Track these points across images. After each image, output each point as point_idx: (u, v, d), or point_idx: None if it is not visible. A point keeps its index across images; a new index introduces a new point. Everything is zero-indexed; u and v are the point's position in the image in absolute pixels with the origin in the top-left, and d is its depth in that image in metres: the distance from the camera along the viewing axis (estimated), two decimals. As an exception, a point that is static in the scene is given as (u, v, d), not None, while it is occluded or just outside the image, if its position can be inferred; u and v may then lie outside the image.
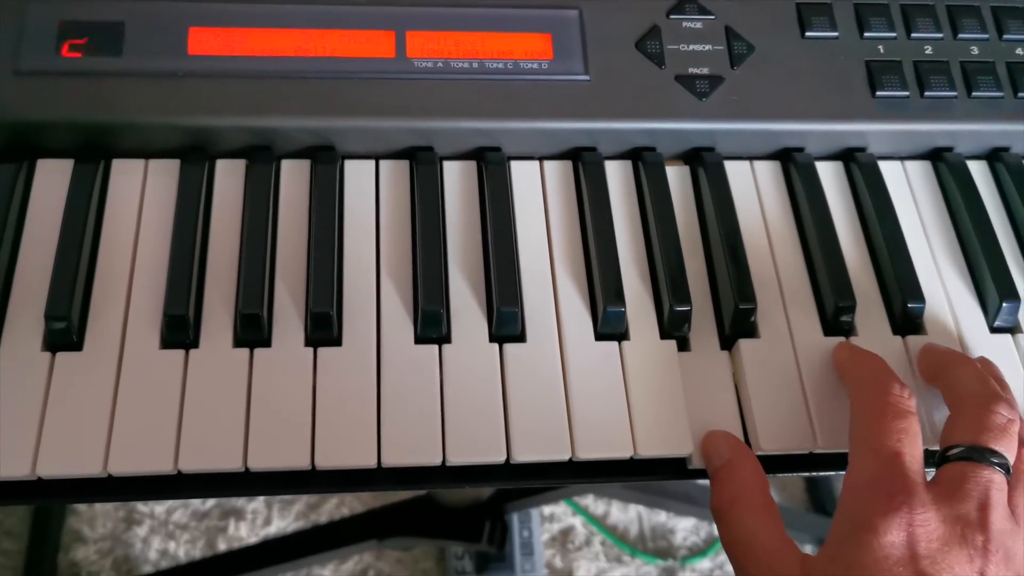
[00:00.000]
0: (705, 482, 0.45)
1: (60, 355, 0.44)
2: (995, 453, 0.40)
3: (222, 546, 1.14)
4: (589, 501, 1.20)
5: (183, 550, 1.14)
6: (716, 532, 1.17)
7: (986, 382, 0.44)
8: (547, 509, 1.18)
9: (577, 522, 1.19)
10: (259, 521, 1.16)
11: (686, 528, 1.20)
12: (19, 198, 0.47)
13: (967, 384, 0.44)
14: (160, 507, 1.16)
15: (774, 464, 0.46)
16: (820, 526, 1.16)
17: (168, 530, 1.15)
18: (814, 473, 0.48)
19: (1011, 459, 0.41)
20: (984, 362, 0.48)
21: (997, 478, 0.40)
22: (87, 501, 0.44)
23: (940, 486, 0.40)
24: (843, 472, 0.42)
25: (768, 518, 0.41)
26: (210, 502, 1.16)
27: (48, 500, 0.43)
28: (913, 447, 0.41)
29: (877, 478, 0.39)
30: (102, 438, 0.42)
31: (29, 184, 0.48)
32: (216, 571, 1.04)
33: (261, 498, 1.17)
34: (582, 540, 1.18)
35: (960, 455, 0.41)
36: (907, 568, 0.36)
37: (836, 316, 0.48)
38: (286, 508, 1.17)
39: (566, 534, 1.18)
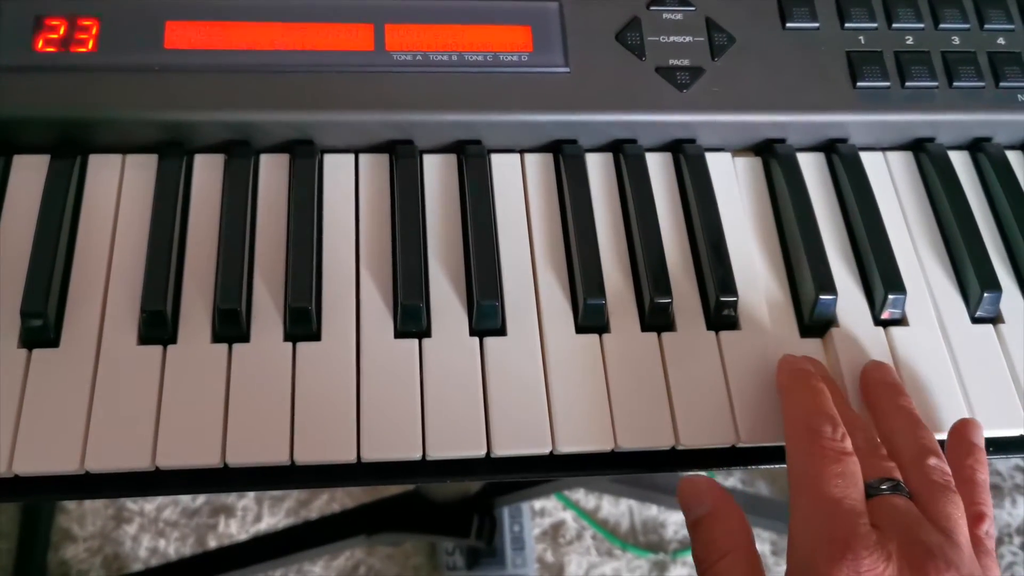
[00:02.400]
0: (695, 473, 0.44)
1: (36, 352, 0.43)
2: (883, 481, 0.40)
3: (212, 543, 1.14)
4: (580, 495, 1.20)
5: (173, 548, 1.14)
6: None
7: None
8: (538, 503, 1.18)
9: (568, 516, 1.19)
10: (249, 518, 1.16)
11: (677, 522, 1.20)
12: (-5, 194, 0.47)
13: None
14: (150, 504, 1.15)
15: (757, 456, 0.46)
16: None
17: (158, 528, 1.14)
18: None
19: (897, 476, 0.41)
20: (875, 366, 0.47)
21: (902, 502, 0.40)
22: (65, 498, 0.44)
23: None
24: None
25: None
26: (200, 499, 1.16)
27: (26, 498, 0.43)
28: (852, 489, 0.39)
29: (819, 524, 0.38)
30: (80, 435, 0.42)
31: (5, 180, 0.48)
32: (206, 568, 1.04)
33: (251, 495, 1.16)
34: (573, 534, 1.18)
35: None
36: None
37: (817, 308, 0.48)
38: (276, 505, 1.17)
39: (557, 528, 1.18)
